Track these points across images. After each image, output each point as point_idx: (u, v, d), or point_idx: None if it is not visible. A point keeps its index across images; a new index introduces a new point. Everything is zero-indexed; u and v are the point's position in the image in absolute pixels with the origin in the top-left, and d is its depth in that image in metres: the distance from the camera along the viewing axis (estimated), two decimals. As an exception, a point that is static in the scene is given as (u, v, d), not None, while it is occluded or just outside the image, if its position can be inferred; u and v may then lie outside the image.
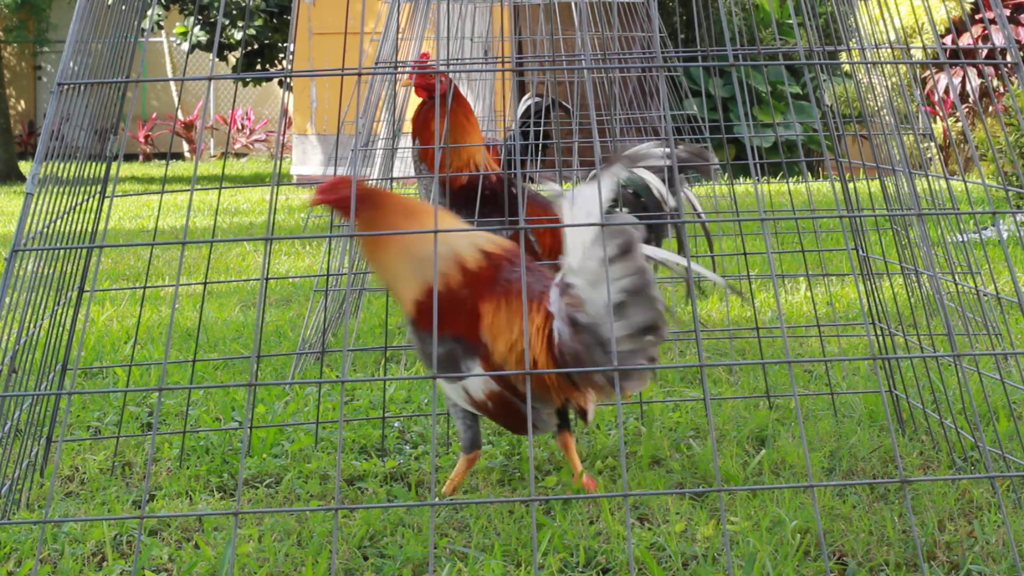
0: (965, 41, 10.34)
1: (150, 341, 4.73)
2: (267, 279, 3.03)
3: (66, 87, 2.57)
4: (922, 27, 10.48)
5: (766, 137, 12.27)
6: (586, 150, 9.02)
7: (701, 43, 6.91)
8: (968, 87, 9.70)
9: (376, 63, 5.40)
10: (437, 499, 2.85)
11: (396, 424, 3.50)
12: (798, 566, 2.46)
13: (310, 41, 12.80)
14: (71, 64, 2.58)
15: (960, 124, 11.15)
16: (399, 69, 4.66)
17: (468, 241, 2.81)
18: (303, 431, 3.40)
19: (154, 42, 20.49)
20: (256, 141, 19.94)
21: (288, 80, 11.62)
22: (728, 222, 6.32)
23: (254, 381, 2.31)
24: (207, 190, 10.57)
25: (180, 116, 19.82)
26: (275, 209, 3.80)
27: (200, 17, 16.82)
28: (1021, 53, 2.46)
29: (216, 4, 17.30)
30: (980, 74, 10.70)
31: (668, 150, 3.29)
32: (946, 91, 10.74)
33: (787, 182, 5.25)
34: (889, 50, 3.46)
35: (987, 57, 5.09)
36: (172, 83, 15.62)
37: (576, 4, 5.30)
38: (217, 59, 17.39)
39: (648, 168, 3.36)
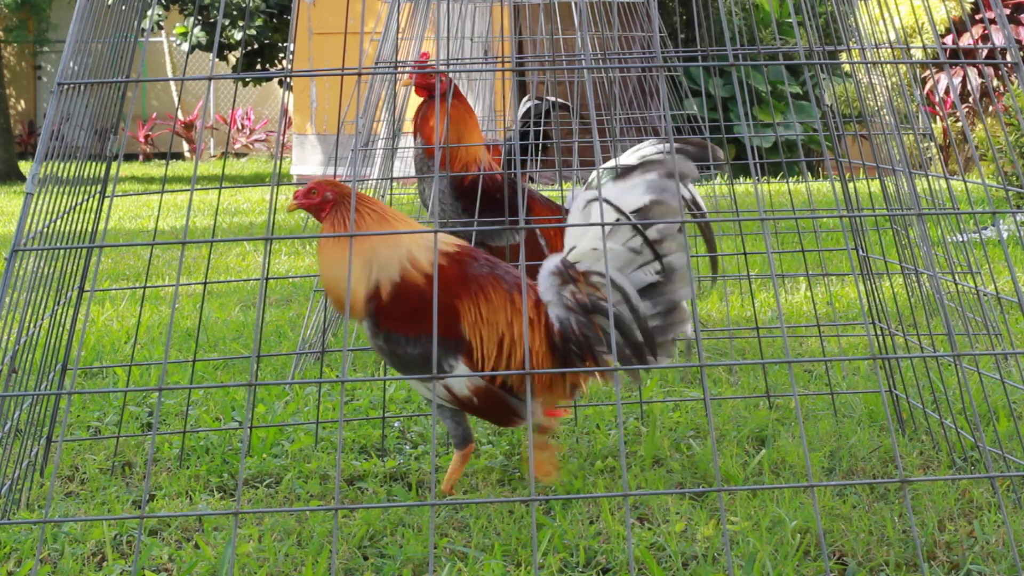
0: (965, 41, 10.33)
1: (150, 341, 4.73)
2: (267, 279, 3.03)
3: (66, 87, 2.57)
4: (922, 27, 10.48)
5: (766, 137, 12.27)
6: (586, 150, 9.02)
7: (701, 43, 6.90)
8: (968, 87, 9.70)
9: (376, 63, 5.39)
10: (437, 498, 2.85)
11: (396, 424, 3.50)
12: (798, 566, 2.46)
13: (310, 41, 12.80)
14: (71, 64, 2.58)
15: (960, 124, 11.15)
16: (399, 69, 4.65)
17: (426, 242, 2.82)
18: (303, 431, 3.40)
19: (154, 42, 20.50)
20: (256, 141, 19.94)
21: (288, 80, 11.62)
22: (728, 222, 6.31)
23: (254, 381, 2.31)
24: (207, 190, 10.56)
25: (180, 116, 19.82)
26: (275, 209, 3.80)
27: (200, 17, 16.83)
28: (1021, 53, 2.46)
29: (216, 4, 17.31)
30: (980, 74, 10.70)
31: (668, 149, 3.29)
32: (946, 91, 10.74)
33: (787, 182, 5.25)
34: (889, 50, 3.46)
35: (987, 57, 5.09)
36: (172, 83, 15.62)
37: (576, 4, 5.31)
38: (217, 59, 17.39)
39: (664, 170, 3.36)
